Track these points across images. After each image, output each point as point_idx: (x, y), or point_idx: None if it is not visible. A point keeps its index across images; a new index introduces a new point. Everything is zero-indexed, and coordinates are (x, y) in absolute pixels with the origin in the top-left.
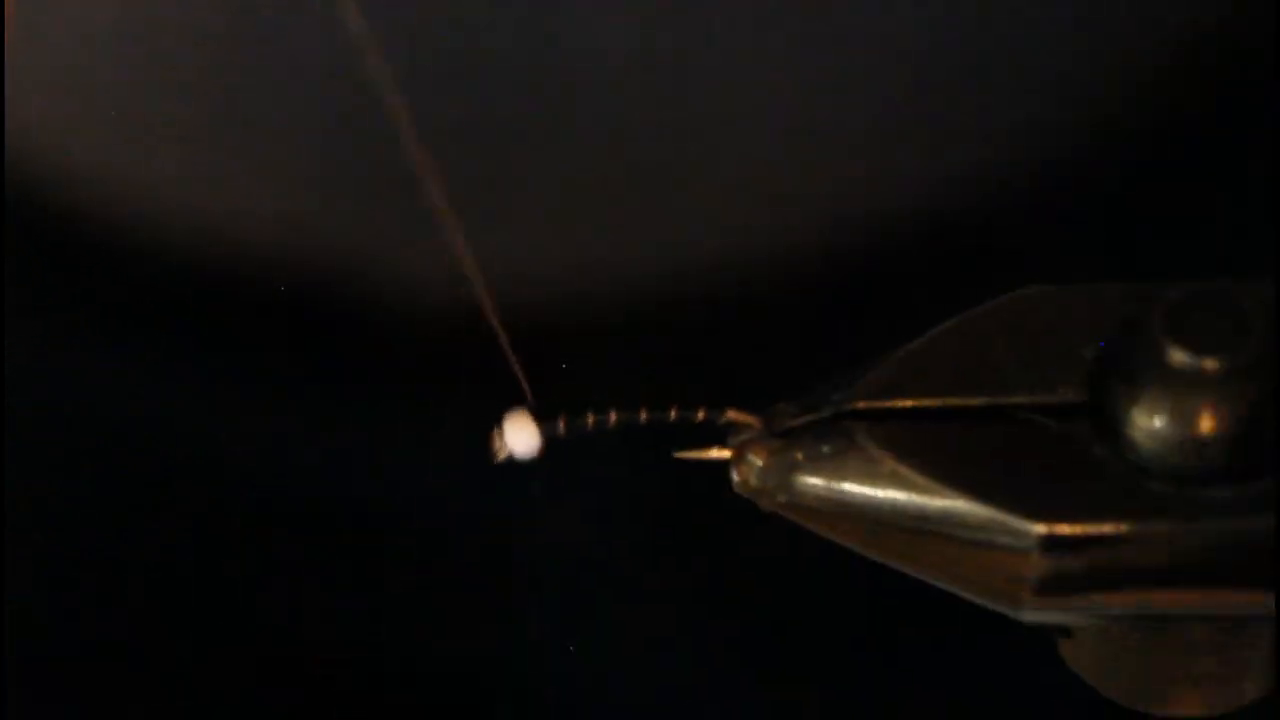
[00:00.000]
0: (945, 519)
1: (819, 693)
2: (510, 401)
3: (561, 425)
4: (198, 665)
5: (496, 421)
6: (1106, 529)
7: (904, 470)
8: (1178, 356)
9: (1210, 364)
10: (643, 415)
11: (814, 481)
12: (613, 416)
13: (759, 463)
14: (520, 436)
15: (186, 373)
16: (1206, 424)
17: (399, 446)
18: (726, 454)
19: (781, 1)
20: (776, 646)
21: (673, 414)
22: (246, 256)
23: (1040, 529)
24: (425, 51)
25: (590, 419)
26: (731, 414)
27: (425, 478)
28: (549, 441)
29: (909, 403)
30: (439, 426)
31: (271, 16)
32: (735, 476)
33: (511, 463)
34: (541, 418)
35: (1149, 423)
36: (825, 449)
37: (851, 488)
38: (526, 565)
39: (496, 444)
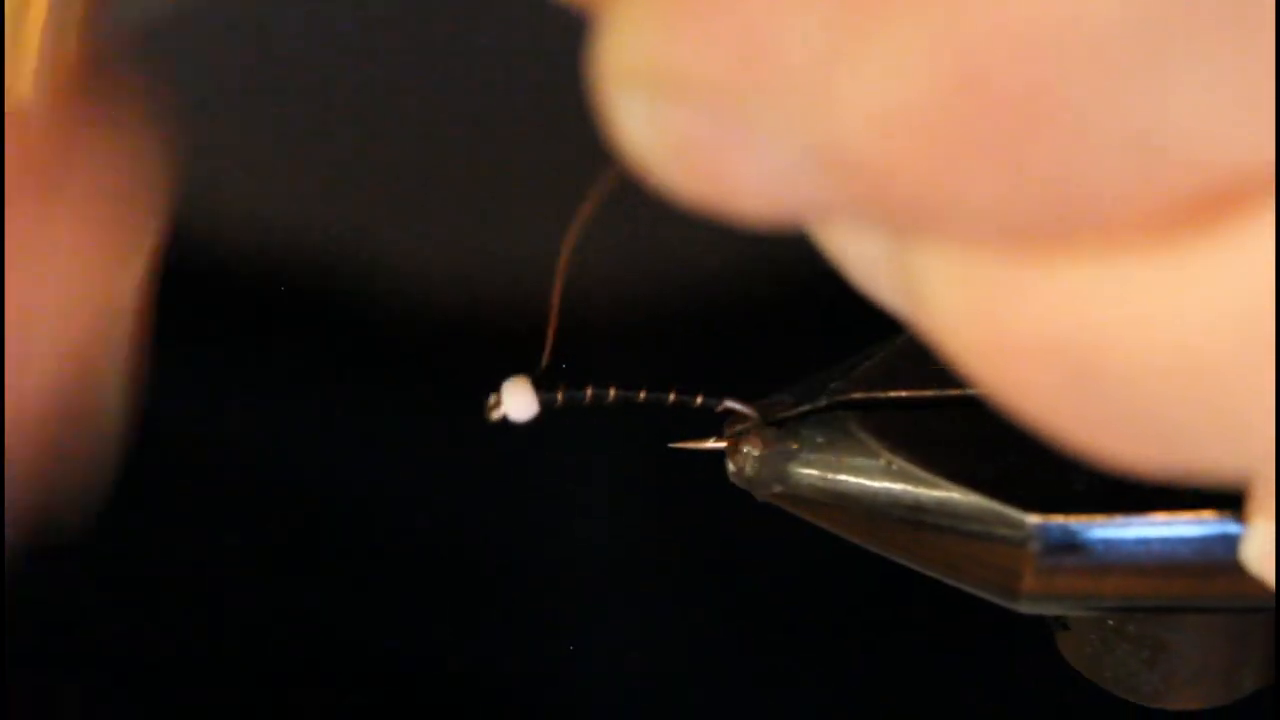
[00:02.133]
0: (941, 510)
1: (816, 684)
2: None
3: (559, 396)
4: (197, 663)
5: (496, 422)
6: (1101, 519)
7: (899, 461)
8: None
9: None
10: (640, 395)
11: (809, 472)
12: (611, 393)
13: (754, 453)
14: (517, 401)
15: (184, 372)
16: None
17: (397, 445)
18: (722, 444)
19: None
20: (772, 638)
21: (670, 397)
22: (245, 256)
23: (1035, 519)
24: (425, 50)
25: (588, 393)
26: (728, 402)
27: (424, 476)
28: (545, 411)
29: (905, 393)
30: (438, 425)
31: (271, 13)
32: (731, 467)
33: (504, 425)
34: (541, 389)
35: None
36: (821, 439)
37: (847, 479)
38: (526, 563)
39: (492, 404)
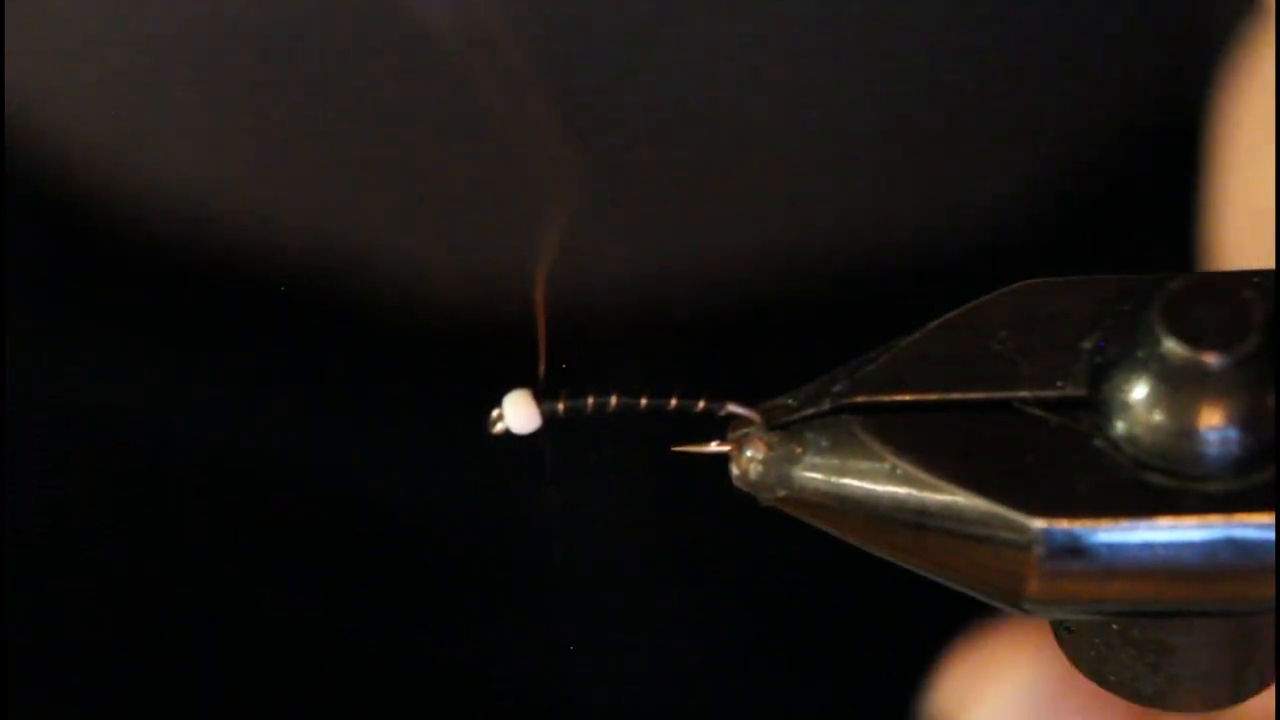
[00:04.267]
0: (945, 514)
1: (817, 687)
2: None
3: (561, 405)
4: (197, 664)
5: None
6: (1106, 523)
7: (903, 464)
8: (1178, 349)
9: (1210, 357)
10: (643, 402)
11: (813, 476)
12: (613, 400)
13: (758, 457)
14: (519, 413)
15: (185, 371)
16: (1206, 417)
17: (398, 446)
18: (725, 448)
19: (788, 7)
20: (775, 641)
21: (673, 402)
22: (246, 255)
23: (1040, 524)
24: (426, 49)
25: (590, 401)
26: (731, 406)
27: (424, 475)
28: (548, 421)
29: (909, 396)
30: (438, 424)
31: (270, 15)
32: (734, 470)
33: (508, 438)
34: (542, 398)
35: (1149, 416)
36: (825, 443)
37: (851, 482)
38: (526, 563)
39: (494, 418)
